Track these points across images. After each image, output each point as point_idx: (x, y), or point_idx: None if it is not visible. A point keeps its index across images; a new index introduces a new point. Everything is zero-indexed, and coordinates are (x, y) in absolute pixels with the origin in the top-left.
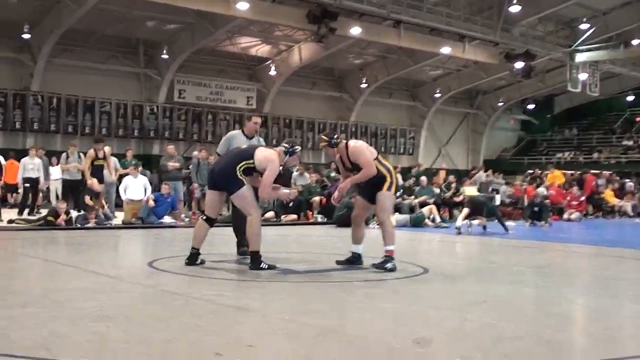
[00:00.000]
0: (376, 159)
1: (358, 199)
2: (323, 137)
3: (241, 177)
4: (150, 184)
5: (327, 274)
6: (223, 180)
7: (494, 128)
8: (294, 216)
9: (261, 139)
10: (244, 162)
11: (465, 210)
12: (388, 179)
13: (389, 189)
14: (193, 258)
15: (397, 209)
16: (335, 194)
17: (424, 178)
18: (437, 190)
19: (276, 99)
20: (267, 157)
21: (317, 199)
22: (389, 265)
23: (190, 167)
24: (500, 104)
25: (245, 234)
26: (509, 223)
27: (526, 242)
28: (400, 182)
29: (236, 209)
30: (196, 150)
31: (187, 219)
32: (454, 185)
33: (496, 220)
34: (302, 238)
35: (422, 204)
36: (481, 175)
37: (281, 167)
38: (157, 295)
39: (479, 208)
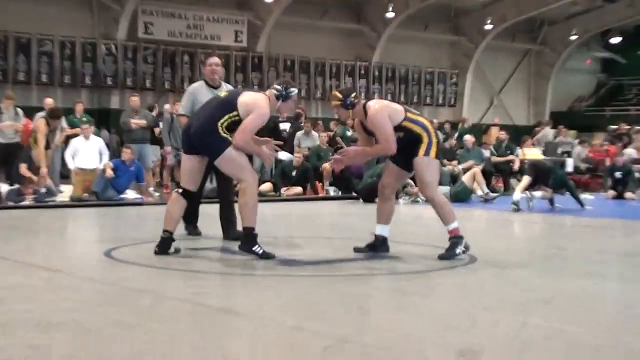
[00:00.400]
0: (405, 118)
1: (389, 165)
2: (336, 94)
3: (225, 135)
4: (108, 147)
5: (342, 265)
6: (202, 141)
7: (564, 70)
8: (298, 189)
9: (229, 86)
10: (226, 116)
11: (526, 179)
12: (424, 138)
13: (426, 152)
14: (165, 244)
15: None
16: (335, 157)
17: (469, 137)
18: (488, 153)
19: (274, 33)
20: (254, 100)
21: (327, 165)
22: (458, 249)
23: (161, 125)
24: (574, 37)
25: (231, 220)
26: (585, 196)
27: (609, 221)
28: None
29: (223, 185)
30: (168, 103)
31: (156, 194)
32: (505, 144)
33: (567, 193)
34: (309, 218)
35: (468, 172)
36: (547, 133)
37: (286, 124)
38: (117, 295)
39: (543, 176)
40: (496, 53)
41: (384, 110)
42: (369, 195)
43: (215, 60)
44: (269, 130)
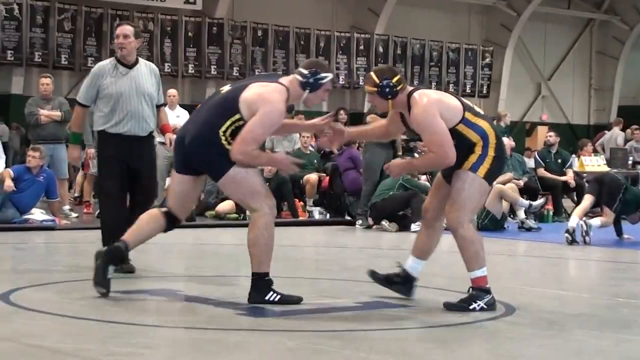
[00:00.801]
0: (462, 120)
1: (438, 180)
2: (372, 76)
3: (230, 147)
4: (5, 148)
5: (323, 318)
6: (199, 156)
7: (639, 48)
8: None
9: (151, 65)
10: (228, 122)
11: (587, 200)
12: (478, 148)
13: (474, 167)
14: (112, 254)
15: None
16: (335, 126)
17: (507, 140)
18: (533, 163)
19: None
20: (258, 95)
21: (313, 177)
22: (476, 304)
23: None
24: None
25: (124, 232)
26: None
27: None
28: None
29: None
30: None
31: (73, 215)
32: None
33: None
34: (284, 250)
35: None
36: (616, 136)
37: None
38: (13, 355)
39: (611, 195)
40: (546, 24)
41: (434, 107)
42: (379, 216)
43: (123, 30)
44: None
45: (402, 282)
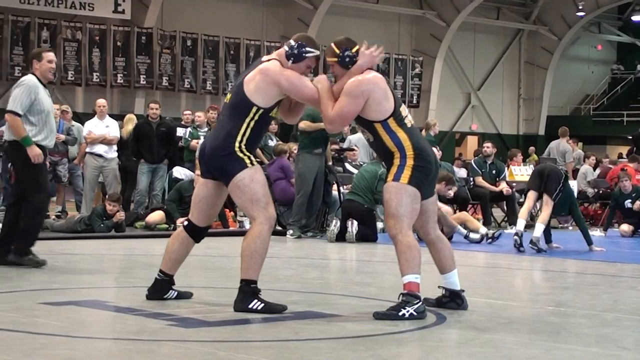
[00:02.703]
0: (386, 120)
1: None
2: (333, 47)
3: (242, 155)
4: None
5: (270, 324)
6: (214, 162)
7: (567, 58)
8: None
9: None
10: (244, 125)
11: (531, 198)
12: (396, 160)
13: (396, 177)
14: (158, 288)
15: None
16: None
17: (435, 151)
18: (463, 173)
19: (168, 2)
20: (261, 71)
21: None
22: (406, 310)
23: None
24: (580, 14)
25: (25, 235)
26: (594, 233)
27: (621, 266)
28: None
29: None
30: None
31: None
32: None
33: (570, 220)
34: (213, 261)
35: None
36: (562, 148)
37: (184, 129)
38: None
39: (551, 182)
40: (476, 34)
41: (366, 85)
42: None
43: (54, 56)
44: (161, 137)
45: (452, 299)
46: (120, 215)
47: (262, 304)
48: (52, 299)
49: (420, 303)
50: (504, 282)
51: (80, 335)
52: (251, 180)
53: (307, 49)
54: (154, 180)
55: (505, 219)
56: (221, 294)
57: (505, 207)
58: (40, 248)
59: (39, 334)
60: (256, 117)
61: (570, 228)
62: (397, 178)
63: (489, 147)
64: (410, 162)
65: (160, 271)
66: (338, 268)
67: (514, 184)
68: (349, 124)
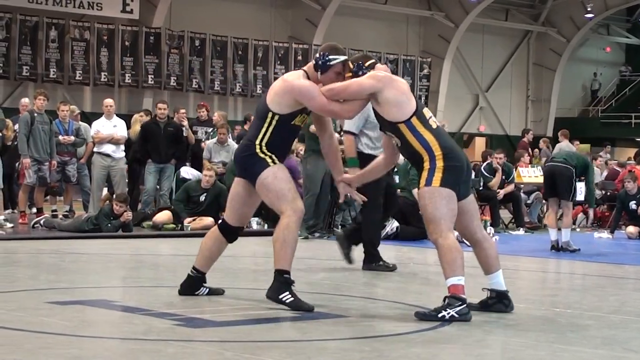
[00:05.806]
0: (410, 119)
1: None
2: (348, 63)
3: (264, 155)
4: None
5: (277, 324)
6: (241, 164)
7: (575, 60)
8: (209, 219)
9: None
10: (262, 129)
11: (553, 206)
12: (426, 164)
13: (427, 182)
14: (190, 284)
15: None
16: (340, 189)
17: None
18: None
19: (177, 2)
20: (282, 80)
21: None
22: (446, 312)
23: (17, 127)
24: (589, 16)
25: None
26: (601, 235)
27: (633, 268)
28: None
29: None
30: (26, 98)
31: (8, 225)
32: (500, 161)
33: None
34: (222, 262)
35: None
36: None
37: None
38: None
39: (564, 184)
40: (484, 36)
41: (380, 85)
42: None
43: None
44: (169, 137)
45: (498, 300)
46: (128, 215)
47: (292, 299)
48: (59, 299)
49: (464, 305)
50: (510, 284)
51: (86, 335)
52: (275, 177)
53: (331, 57)
54: (162, 180)
55: (512, 220)
56: (228, 295)
57: (512, 209)
58: (47, 247)
59: (45, 334)
60: (273, 123)
61: (578, 230)
62: (429, 182)
63: (500, 159)
64: (439, 164)
65: (194, 268)
66: (345, 268)
67: (522, 186)
68: (360, 108)
